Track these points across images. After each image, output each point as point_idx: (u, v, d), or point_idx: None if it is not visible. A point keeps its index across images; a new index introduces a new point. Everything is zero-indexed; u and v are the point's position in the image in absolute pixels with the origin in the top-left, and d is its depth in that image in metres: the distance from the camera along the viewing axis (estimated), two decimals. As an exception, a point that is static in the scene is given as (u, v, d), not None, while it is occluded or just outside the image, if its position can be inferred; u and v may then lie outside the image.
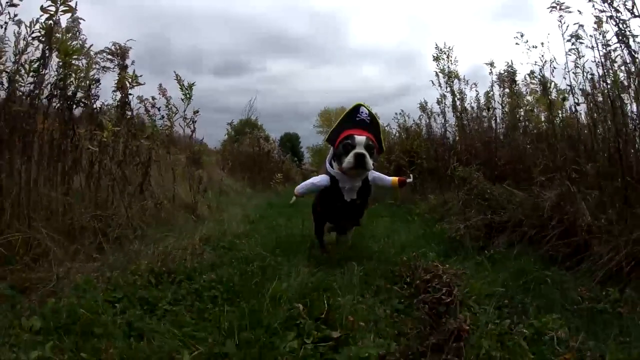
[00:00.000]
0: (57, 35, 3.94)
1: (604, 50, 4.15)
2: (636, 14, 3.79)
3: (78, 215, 4.03)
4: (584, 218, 3.77)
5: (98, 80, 4.80)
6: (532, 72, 5.81)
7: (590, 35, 4.23)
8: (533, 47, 5.13)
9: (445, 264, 3.18)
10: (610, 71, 4.15)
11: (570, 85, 4.56)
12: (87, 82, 4.54)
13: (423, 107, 10.18)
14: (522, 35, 5.26)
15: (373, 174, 3.96)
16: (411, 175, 4.29)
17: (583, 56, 4.40)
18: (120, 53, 5.48)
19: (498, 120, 8.05)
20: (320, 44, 73.85)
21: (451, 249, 4.38)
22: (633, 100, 4.07)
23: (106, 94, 5.33)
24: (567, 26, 4.39)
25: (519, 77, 7.47)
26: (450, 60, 8.58)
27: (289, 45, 71.11)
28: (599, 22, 4.11)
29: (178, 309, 2.58)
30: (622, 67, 4.05)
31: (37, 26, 3.83)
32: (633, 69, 3.94)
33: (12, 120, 3.71)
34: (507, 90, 7.77)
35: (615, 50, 4.05)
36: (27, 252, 3.28)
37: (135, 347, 1.99)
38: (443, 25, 56.26)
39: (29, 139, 3.80)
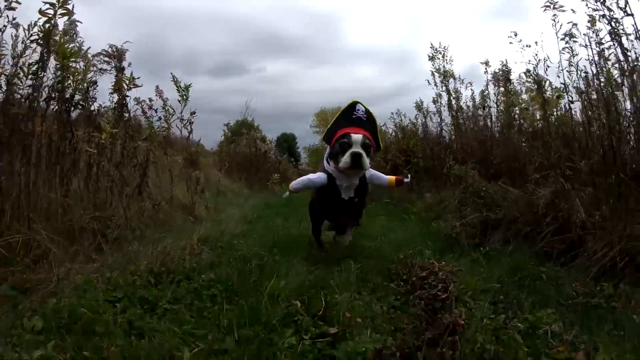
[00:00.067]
0: (55, 38, 3.96)
1: (598, 49, 4.18)
2: (629, 12, 3.83)
3: (77, 216, 4.05)
4: (579, 215, 3.80)
5: (95, 83, 4.82)
6: (527, 70, 5.84)
7: (583, 34, 4.27)
8: (527, 46, 5.18)
9: (441, 261, 3.21)
10: (604, 69, 4.19)
11: (564, 84, 4.59)
12: (85, 84, 4.56)
13: (419, 107, 10.20)
14: (515, 35, 5.31)
15: (370, 172, 3.95)
16: (409, 175, 4.30)
17: (577, 54, 4.43)
18: (117, 55, 5.50)
19: (493, 118, 8.10)
20: (317, 44, 73.84)
21: (447, 246, 4.41)
22: (627, 98, 4.11)
23: (103, 96, 5.35)
24: (561, 25, 4.43)
25: (514, 76, 7.52)
26: (446, 60, 8.65)
27: (285, 46, 71.08)
28: (592, 20, 4.14)
29: (178, 307, 2.59)
30: (616, 65, 4.09)
31: (36, 29, 3.85)
32: (626, 67, 3.98)
33: (11, 123, 3.73)
34: (502, 89, 7.81)
35: (609, 48, 4.08)
36: (27, 253, 3.29)
37: (136, 345, 2.01)
38: (438, 25, 56.24)
39: (27, 141, 3.82)
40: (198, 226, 5.42)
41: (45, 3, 3.83)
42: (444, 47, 8.66)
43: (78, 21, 4.27)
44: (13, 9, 3.70)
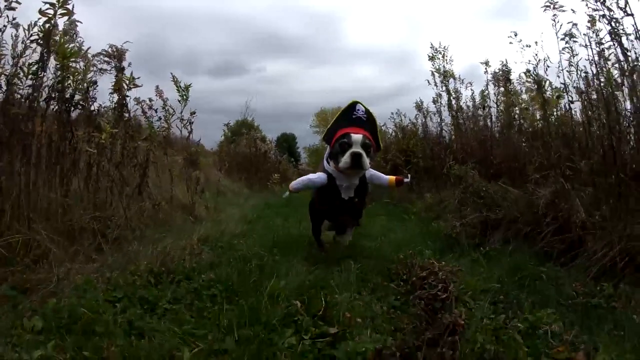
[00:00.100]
0: (56, 38, 3.96)
1: (598, 49, 4.18)
2: (629, 12, 3.83)
3: (77, 216, 4.05)
4: (579, 214, 3.80)
5: (95, 83, 4.82)
6: (527, 70, 5.85)
7: (583, 34, 4.27)
8: (527, 46, 5.19)
9: (441, 261, 3.22)
10: (604, 69, 4.19)
11: (564, 84, 4.60)
12: (85, 84, 4.57)
13: (419, 107, 10.21)
14: (515, 35, 5.32)
15: (370, 172, 3.94)
16: (409, 175, 4.29)
17: (577, 54, 4.44)
18: (117, 55, 5.50)
19: (493, 118, 8.11)
20: (317, 44, 73.92)
21: (447, 246, 4.41)
22: (627, 98, 4.11)
23: (103, 96, 5.35)
24: (561, 25, 4.43)
25: (514, 76, 7.53)
26: (446, 60, 8.67)
27: (285, 46, 71.12)
28: (592, 20, 4.14)
29: (178, 307, 2.60)
30: (616, 65, 4.09)
31: (36, 29, 3.85)
32: (626, 67, 3.98)
33: (11, 123, 3.73)
34: (502, 89, 7.82)
35: (609, 48, 4.08)
36: (27, 253, 3.29)
37: (136, 345, 2.01)
38: (439, 25, 56.27)
39: (28, 141, 3.82)
40: (198, 226, 5.42)
41: (45, 3, 3.84)
42: (444, 47, 8.68)
43: (78, 21, 4.28)
44: (13, 9, 3.71)
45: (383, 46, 74.27)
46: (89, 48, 4.68)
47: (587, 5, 4.06)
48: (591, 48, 4.21)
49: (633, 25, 3.84)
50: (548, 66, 4.89)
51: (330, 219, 4.34)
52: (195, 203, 6.85)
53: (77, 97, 4.50)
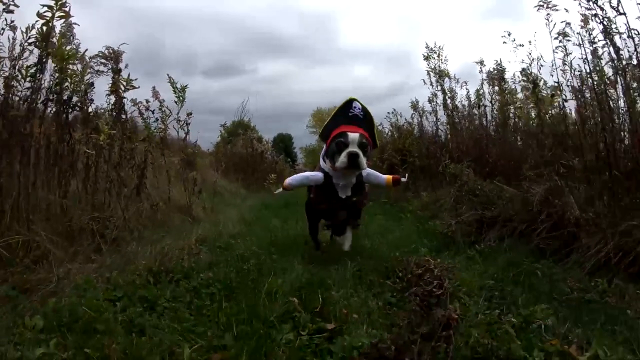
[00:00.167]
0: (53, 40, 3.98)
1: (591, 48, 4.22)
2: (621, 11, 3.86)
3: (76, 217, 4.08)
4: (572, 211, 3.84)
5: (92, 84, 4.84)
6: (523, 69, 5.89)
7: (577, 33, 4.31)
8: (520, 45, 5.24)
9: (436, 258, 3.25)
10: (597, 67, 4.23)
11: (557, 82, 4.64)
12: (83, 86, 4.58)
13: (414, 106, 10.26)
14: (509, 34, 5.36)
15: (367, 171, 3.88)
16: (406, 174, 4.29)
17: (570, 53, 4.48)
18: (113, 57, 5.52)
19: (489, 117, 8.14)
20: (315, 45, 74.09)
21: (443, 244, 4.45)
22: (622, 95, 4.15)
23: (100, 97, 5.37)
24: (555, 24, 4.47)
25: (508, 75, 7.57)
26: (441, 59, 8.71)
27: (283, 46, 71.20)
28: (585, 19, 4.18)
29: (177, 306, 2.63)
30: (610, 63, 4.13)
31: (34, 32, 3.87)
32: (619, 65, 4.02)
33: (10, 125, 3.75)
34: (496, 88, 7.86)
35: (603, 47, 4.12)
36: (27, 254, 3.32)
37: (137, 342, 2.03)
38: (434, 24, 56.52)
39: (26, 143, 3.84)
40: (196, 227, 5.44)
41: (44, 6, 3.86)
42: (439, 46, 8.73)
43: (75, 23, 4.29)
44: (11, 11, 3.72)
45: (379, 46, 74.41)
46: (86, 50, 4.72)
47: (580, 4, 4.10)
48: (584, 47, 4.26)
49: (625, 24, 3.88)
50: (542, 65, 4.94)
51: (327, 218, 4.30)
52: (192, 204, 6.86)
53: (74, 99, 4.52)
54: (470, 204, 5.08)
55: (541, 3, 4.54)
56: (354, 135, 3.66)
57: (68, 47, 4.22)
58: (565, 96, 4.68)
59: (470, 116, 8.60)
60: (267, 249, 4.11)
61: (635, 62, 3.93)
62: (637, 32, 3.85)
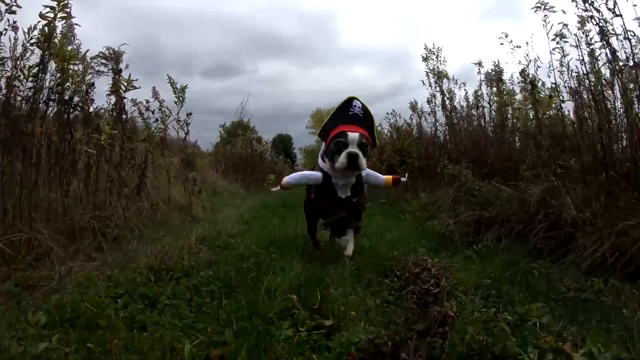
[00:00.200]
0: (55, 41, 4.01)
1: (588, 49, 4.25)
2: (617, 13, 3.89)
3: (77, 216, 4.11)
4: (569, 212, 3.86)
5: (93, 85, 4.87)
6: (522, 70, 5.92)
7: (574, 34, 4.34)
8: (517, 46, 5.27)
9: (434, 258, 3.28)
10: (594, 69, 4.26)
11: (555, 83, 4.67)
12: (84, 86, 4.61)
13: (413, 107, 10.31)
14: (506, 36, 5.40)
15: (367, 171, 3.84)
16: (405, 174, 4.30)
17: (567, 54, 4.51)
18: (114, 57, 5.55)
19: (487, 118, 8.18)
20: (315, 45, 74.15)
21: (441, 244, 4.47)
22: (619, 96, 4.18)
23: (101, 97, 5.40)
24: (552, 25, 4.50)
25: (506, 76, 7.61)
26: (440, 60, 8.75)
27: (283, 46, 71.25)
28: (582, 21, 4.21)
29: (177, 303, 2.65)
30: (607, 65, 4.16)
31: (36, 32, 3.90)
32: (615, 67, 4.05)
33: (12, 124, 3.78)
34: (494, 89, 7.89)
35: (600, 48, 4.14)
36: (29, 251, 3.36)
37: (138, 338, 2.06)
38: (434, 24, 56.58)
39: (28, 142, 3.87)
40: (196, 226, 5.47)
41: (46, 7, 3.89)
42: (438, 47, 8.77)
43: (76, 24, 4.33)
44: (14, 12, 3.75)
45: (379, 46, 74.54)
46: (87, 51, 4.76)
47: (576, 6, 4.12)
48: (581, 48, 4.29)
49: (622, 26, 3.91)
50: (539, 66, 4.97)
51: (326, 218, 4.22)
52: (192, 204, 6.90)
53: (76, 99, 4.54)
54: (468, 204, 5.11)
55: (538, 4, 4.57)
56: (353, 135, 3.61)
57: (69, 48, 4.26)
58: (563, 97, 4.71)
59: (468, 117, 8.65)
60: (266, 248, 4.12)
61: (631, 63, 3.95)
62: (633, 34, 3.89)
